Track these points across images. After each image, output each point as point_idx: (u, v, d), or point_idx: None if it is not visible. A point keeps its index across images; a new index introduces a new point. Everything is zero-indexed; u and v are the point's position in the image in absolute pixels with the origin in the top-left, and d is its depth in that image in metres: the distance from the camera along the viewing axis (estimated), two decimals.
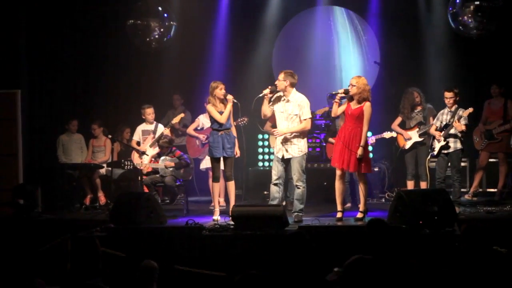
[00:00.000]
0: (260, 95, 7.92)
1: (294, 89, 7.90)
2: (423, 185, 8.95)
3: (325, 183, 9.76)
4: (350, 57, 11.63)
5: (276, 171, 7.85)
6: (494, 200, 9.30)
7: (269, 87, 7.91)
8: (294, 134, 7.80)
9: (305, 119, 7.82)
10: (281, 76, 7.81)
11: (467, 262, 3.88)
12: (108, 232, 7.09)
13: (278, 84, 7.82)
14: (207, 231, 7.02)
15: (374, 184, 10.22)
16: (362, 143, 7.63)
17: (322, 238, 6.56)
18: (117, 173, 9.81)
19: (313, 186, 9.48)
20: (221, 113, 8.07)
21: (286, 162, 7.87)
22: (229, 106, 8.10)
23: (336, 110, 7.83)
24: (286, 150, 7.80)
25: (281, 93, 7.88)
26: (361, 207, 7.84)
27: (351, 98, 7.75)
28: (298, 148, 7.82)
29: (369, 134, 9.68)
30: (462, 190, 9.74)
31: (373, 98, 11.09)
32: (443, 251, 6.02)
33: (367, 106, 7.68)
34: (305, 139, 7.94)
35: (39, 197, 9.46)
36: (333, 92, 7.95)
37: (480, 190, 10.41)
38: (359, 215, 7.80)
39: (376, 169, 10.32)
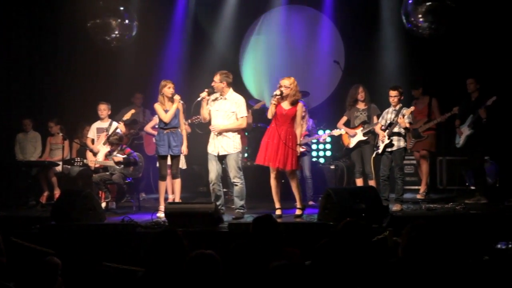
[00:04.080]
0: (199, 99, 8.06)
1: (231, 88, 8.09)
2: (371, 183, 9.00)
3: (282, 181, 9.87)
4: (314, 57, 11.76)
5: (213, 170, 7.99)
6: (444, 197, 9.43)
7: (206, 90, 8.05)
8: (230, 131, 7.97)
9: (241, 117, 8.01)
10: (217, 77, 7.98)
11: (342, 256, 3.99)
12: (44, 229, 7.19)
13: (215, 86, 7.98)
14: (142, 228, 7.14)
15: (330, 182, 10.35)
16: (299, 141, 7.86)
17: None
18: (76, 170, 9.95)
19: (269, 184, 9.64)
20: (167, 111, 8.22)
21: (221, 159, 8.02)
22: (175, 105, 8.24)
23: (274, 111, 7.89)
24: (222, 147, 7.95)
25: (217, 94, 8.05)
26: (298, 203, 7.98)
27: (282, 99, 7.87)
28: (234, 145, 7.98)
29: (328, 131, 9.86)
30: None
31: (334, 98, 11.42)
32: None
33: (300, 106, 7.90)
34: (240, 136, 8.10)
35: None
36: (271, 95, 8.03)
37: (441, 187, 10.62)
38: (298, 212, 7.94)
39: (332, 167, 10.49)
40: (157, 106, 8.30)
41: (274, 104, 7.82)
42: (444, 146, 10.62)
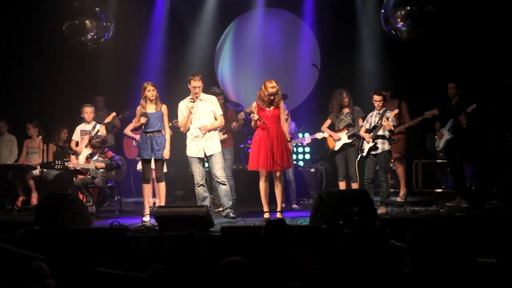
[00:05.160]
0: (190, 112, 7.98)
1: None
2: (354, 186, 9.06)
3: None
4: (291, 59, 11.77)
5: (199, 172, 7.98)
6: (423, 200, 9.58)
7: (191, 100, 7.98)
8: (214, 130, 8.06)
9: (220, 115, 8.11)
10: (199, 81, 7.95)
11: (357, 260, 3.98)
12: (31, 234, 6.99)
13: (199, 87, 7.95)
14: (132, 232, 7.00)
15: (310, 185, 10.34)
16: (288, 138, 7.94)
17: (244, 238, 6.62)
18: (53, 174, 9.74)
19: (254, 187, 9.57)
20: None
21: (203, 161, 8.04)
22: (137, 124, 8.18)
23: (257, 124, 7.95)
24: (208, 147, 7.95)
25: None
26: (279, 207, 7.97)
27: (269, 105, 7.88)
28: (218, 144, 8.04)
29: (307, 134, 9.88)
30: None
31: (311, 100, 11.45)
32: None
33: (282, 105, 7.99)
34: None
35: None
36: (255, 119, 7.98)
37: (416, 190, 10.73)
38: (278, 215, 7.91)
39: (312, 170, 10.48)
40: (137, 111, 8.25)
41: (258, 120, 7.85)
42: (419, 149, 10.79)
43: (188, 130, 8.09)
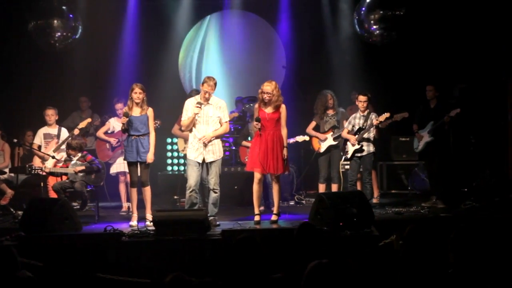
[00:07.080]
0: (196, 115, 7.70)
1: None
2: (334, 187, 9.07)
3: (235, 187, 9.79)
4: (257, 61, 11.75)
5: (194, 176, 7.68)
6: (398, 201, 9.68)
7: (198, 106, 7.66)
8: (218, 137, 7.80)
9: (226, 122, 7.84)
10: (213, 82, 7.64)
11: (408, 263, 3.98)
12: (19, 241, 6.67)
13: (210, 91, 7.65)
14: (127, 237, 6.79)
15: (284, 187, 10.29)
16: (286, 144, 7.75)
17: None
18: (20, 179, 9.31)
19: (225, 190, 9.42)
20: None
21: (203, 165, 7.78)
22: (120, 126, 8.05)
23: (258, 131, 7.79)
24: (210, 153, 7.71)
25: (200, 100, 7.75)
26: (275, 209, 7.89)
27: (265, 105, 7.77)
28: (219, 151, 7.80)
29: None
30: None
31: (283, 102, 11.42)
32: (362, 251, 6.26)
33: (283, 109, 7.79)
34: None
35: None
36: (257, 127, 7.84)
37: (381, 192, 10.86)
38: (274, 217, 7.84)
39: (286, 173, 10.45)
40: (123, 110, 8.06)
41: (258, 128, 7.69)
42: (384, 151, 10.95)
43: (190, 131, 7.85)
